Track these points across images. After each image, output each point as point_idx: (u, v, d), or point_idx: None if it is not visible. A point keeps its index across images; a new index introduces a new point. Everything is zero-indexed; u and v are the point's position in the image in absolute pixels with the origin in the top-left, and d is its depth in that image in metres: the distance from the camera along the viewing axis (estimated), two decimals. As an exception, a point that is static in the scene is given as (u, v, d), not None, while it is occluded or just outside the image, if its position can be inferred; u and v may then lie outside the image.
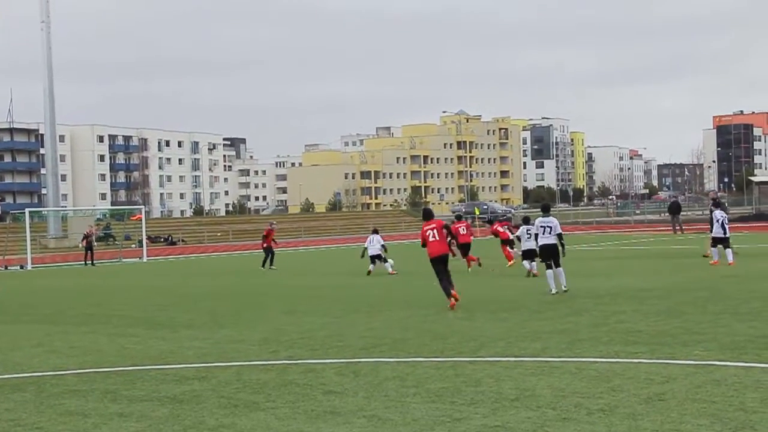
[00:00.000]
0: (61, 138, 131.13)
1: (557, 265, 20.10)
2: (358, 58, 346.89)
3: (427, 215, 19.39)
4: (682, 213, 58.72)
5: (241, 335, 15.08)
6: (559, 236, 20.26)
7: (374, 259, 30.19)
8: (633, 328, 13.91)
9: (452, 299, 17.83)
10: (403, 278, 27.29)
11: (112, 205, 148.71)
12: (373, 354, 12.45)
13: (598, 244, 44.80)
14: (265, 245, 36.69)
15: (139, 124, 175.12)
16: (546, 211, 21.17)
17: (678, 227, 53.91)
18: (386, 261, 30.07)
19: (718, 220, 27.24)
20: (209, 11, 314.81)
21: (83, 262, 45.18)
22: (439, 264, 18.34)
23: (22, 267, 44.87)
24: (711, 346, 11.99)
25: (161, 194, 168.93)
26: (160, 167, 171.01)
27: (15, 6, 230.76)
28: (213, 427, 8.46)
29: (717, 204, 30.00)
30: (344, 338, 14.13)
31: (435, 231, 18.44)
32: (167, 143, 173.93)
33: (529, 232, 24.45)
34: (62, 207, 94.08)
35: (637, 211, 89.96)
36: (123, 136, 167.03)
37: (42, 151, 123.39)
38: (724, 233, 27.01)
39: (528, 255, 24.84)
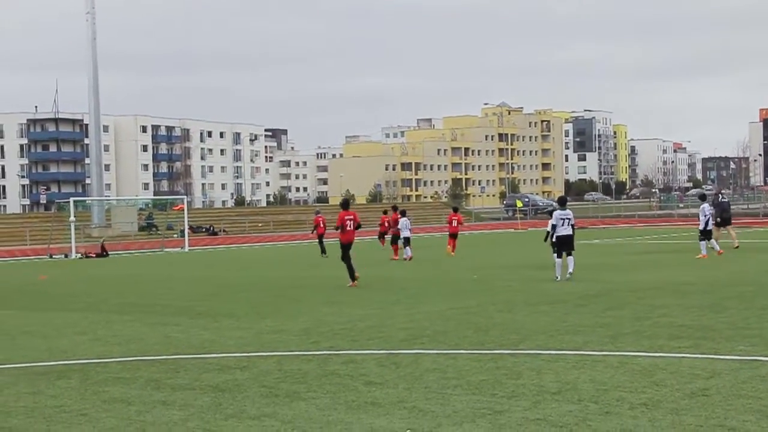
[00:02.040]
0: (105, 128, 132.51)
1: (569, 254, 22.07)
2: (399, 50, 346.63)
3: (346, 205, 22.72)
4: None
5: (282, 325, 15.15)
6: (573, 227, 22.34)
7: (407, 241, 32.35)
8: (676, 323, 13.79)
9: (355, 281, 21.70)
10: (444, 271, 27.26)
11: (154, 194, 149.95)
12: (413, 345, 12.45)
13: (642, 238, 44.42)
14: (316, 233, 37.43)
15: (182, 115, 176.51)
16: (563, 204, 23.03)
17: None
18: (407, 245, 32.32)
19: (705, 215, 28.32)
20: (253, 5, 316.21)
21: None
22: (349, 249, 22.07)
23: (66, 256, 45.41)
24: (756, 341, 11.85)
25: (203, 185, 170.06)
26: (202, 158, 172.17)
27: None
28: (255, 416, 8.51)
29: (703, 198, 30.93)
30: (385, 329, 14.15)
31: (352, 222, 22.04)
32: (209, 134, 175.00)
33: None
34: (106, 197, 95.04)
35: (681, 205, 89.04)
36: (166, 126, 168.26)
37: (86, 141, 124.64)
38: (705, 227, 28.23)
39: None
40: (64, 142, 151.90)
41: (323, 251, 35.92)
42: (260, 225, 78.81)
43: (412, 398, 9.01)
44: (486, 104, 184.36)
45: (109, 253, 45.19)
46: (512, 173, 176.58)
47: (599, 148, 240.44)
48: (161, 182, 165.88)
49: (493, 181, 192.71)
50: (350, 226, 22.10)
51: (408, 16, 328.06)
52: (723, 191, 46.75)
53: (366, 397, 9.14)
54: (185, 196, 72.89)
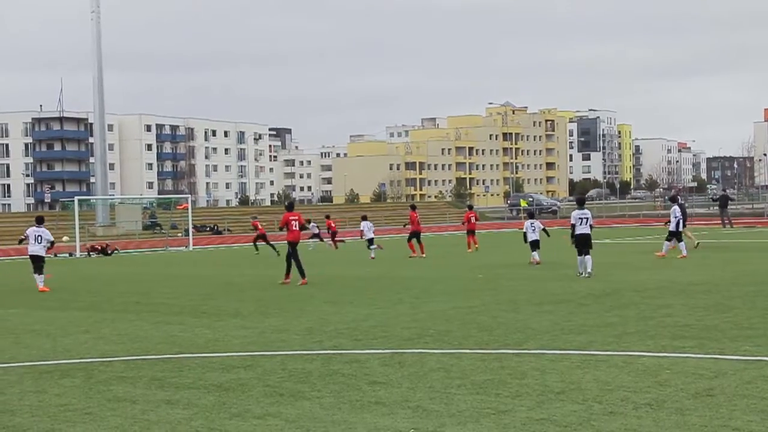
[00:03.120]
0: (110, 127, 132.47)
1: (587, 253, 22.46)
2: (404, 50, 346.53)
3: (290, 207, 24.30)
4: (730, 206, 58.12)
5: (286, 325, 15.15)
6: (591, 227, 22.88)
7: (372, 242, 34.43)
8: (681, 322, 13.78)
9: (292, 280, 23.02)
10: (448, 270, 27.25)
11: (158, 194, 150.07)
12: (417, 345, 12.45)
13: (644, 237, 44.37)
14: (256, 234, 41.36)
15: (186, 114, 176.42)
16: (581, 204, 23.44)
17: (727, 220, 53.32)
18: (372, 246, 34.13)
19: (676, 217, 28.75)
20: (258, 4, 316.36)
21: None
22: (295, 247, 23.26)
23: (70, 254, 45.42)
24: (761, 341, 11.84)
25: (207, 184, 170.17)
26: (206, 157, 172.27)
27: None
28: (259, 415, 8.52)
29: (674, 200, 31.40)
30: (389, 329, 14.15)
31: (296, 222, 23.33)
32: (213, 133, 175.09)
33: (533, 225, 28.09)
34: (110, 195, 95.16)
35: (685, 204, 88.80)
36: (170, 125, 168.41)
37: (91, 140, 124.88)
38: (677, 228, 28.72)
39: (534, 246, 27.73)
40: (69, 141, 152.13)
41: (273, 249, 37.45)
42: (264, 224, 78.62)
43: (416, 398, 9.01)
44: (490, 104, 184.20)
45: (112, 252, 45.27)
46: (516, 173, 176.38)
47: (603, 147, 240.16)
48: (165, 181, 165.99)
49: (497, 180, 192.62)
50: (295, 226, 23.35)
51: (413, 16, 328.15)
52: (681, 194, 47.17)
53: (370, 397, 9.14)
54: (189, 195, 72.92)
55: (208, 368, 11.13)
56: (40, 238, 24.03)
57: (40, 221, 24.85)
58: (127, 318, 16.98)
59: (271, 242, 38.94)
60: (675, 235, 28.82)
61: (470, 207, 40.73)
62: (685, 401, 8.49)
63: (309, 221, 37.03)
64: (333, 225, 44.80)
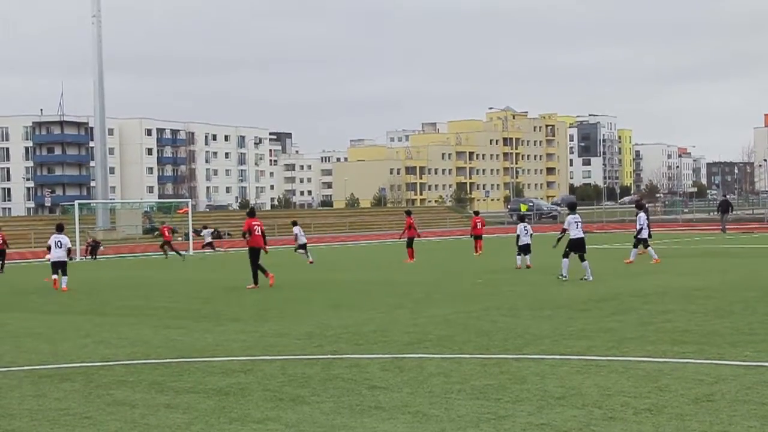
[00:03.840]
0: (110, 131, 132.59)
1: (582, 259, 22.83)
2: (404, 54, 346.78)
3: (252, 213, 25.34)
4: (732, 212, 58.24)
5: (286, 329, 15.14)
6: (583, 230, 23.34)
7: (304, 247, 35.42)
8: (681, 328, 13.77)
9: (257, 285, 23.46)
10: (448, 275, 27.25)
11: (159, 198, 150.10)
12: (417, 350, 12.44)
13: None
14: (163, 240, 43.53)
15: (186, 119, 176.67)
16: (573, 209, 24.25)
17: (725, 226, 53.43)
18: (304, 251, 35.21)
19: (641, 224, 29.29)
20: (260, 8, 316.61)
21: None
22: (258, 253, 23.73)
23: (71, 258, 45.37)
24: (761, 347, 11.83)
25: (207, 188, 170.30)
26: (206, 161, 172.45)
27: (68, 2, 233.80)
28: (259, 419, 8.51)
29: (640, 207, 31.94)
30: (389, 333, 14.15)
31: (259, 227, 23.94)
32: (214, 137, 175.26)
33: (525, 228, 28.24)
34: (110, 199, 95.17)
35: (686, 210, 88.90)
36: (171, 129, 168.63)
37: (91, 143, 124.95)
38: (647, 235, 29.58)
39: (523, 250, 27.88)
40: (69, 145, 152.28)
41: (178, 254, 42.35)
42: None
43: (416, 403, 9.00)
44: (491, 109, 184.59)
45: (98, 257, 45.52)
46: (516, 177, 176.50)
47: (604, 152, 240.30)
48: (166, 185, 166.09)
49: (498, 185, 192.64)
50: (257, 232, 23.91)
51: (413, 20, 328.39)
52: (644, 200, 47.37)
53: (370, 402, 9.13)
54: (189, 200, 72.91)
55: (208, 372, 11.12)
56: (59, 243, 25.58)
57: (60, 229, 26.35)
58: (127, 322, 16.97)
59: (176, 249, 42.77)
60: (641, 242, 29.36)
61: (476, 213, 41.35)
62: (685, 406, 8.48)
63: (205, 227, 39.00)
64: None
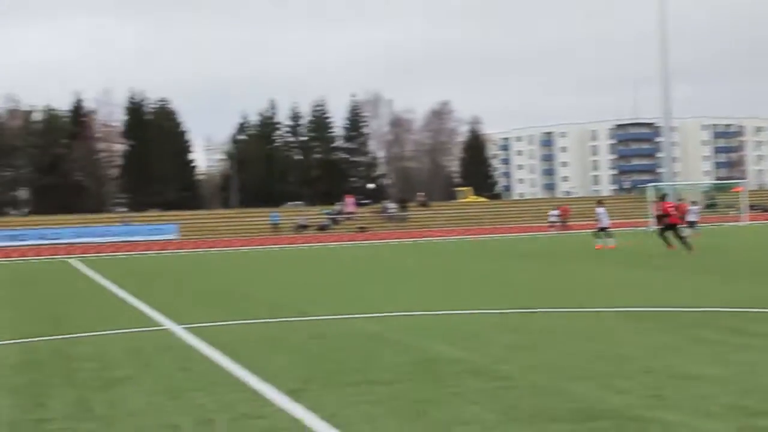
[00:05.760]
0: (674, 129, 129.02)
1: None
2: None
3: (663, 198, 24.28)
4: None
5: None
6: None
7: None
8: None
9: None
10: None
11: (714, 180, 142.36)
12: None
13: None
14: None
15: (737, 115, 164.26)
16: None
17: None
18: None
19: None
20: None
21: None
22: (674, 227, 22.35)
23: (642, 229, 44.85)
24: None
25: (758, 170, 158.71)
26: (758, 149, 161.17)
27: (631, 16, 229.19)
28: None
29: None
30: None
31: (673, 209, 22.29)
32: (761, 129, 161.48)
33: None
34: (675, 182, 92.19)
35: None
36: (723, 125, 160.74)
37: (658, 139, 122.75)
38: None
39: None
40: (642, 141, 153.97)
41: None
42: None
43: None
44: None
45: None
46: None
47: None
48: (719, 170, 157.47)
49: None
50: (672, 212, 23.32)
51: None
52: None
53: None
54: (743, 180, 67.59)
55: None
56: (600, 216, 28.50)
57: (600, 203, 29.76)
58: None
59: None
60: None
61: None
62: None
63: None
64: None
